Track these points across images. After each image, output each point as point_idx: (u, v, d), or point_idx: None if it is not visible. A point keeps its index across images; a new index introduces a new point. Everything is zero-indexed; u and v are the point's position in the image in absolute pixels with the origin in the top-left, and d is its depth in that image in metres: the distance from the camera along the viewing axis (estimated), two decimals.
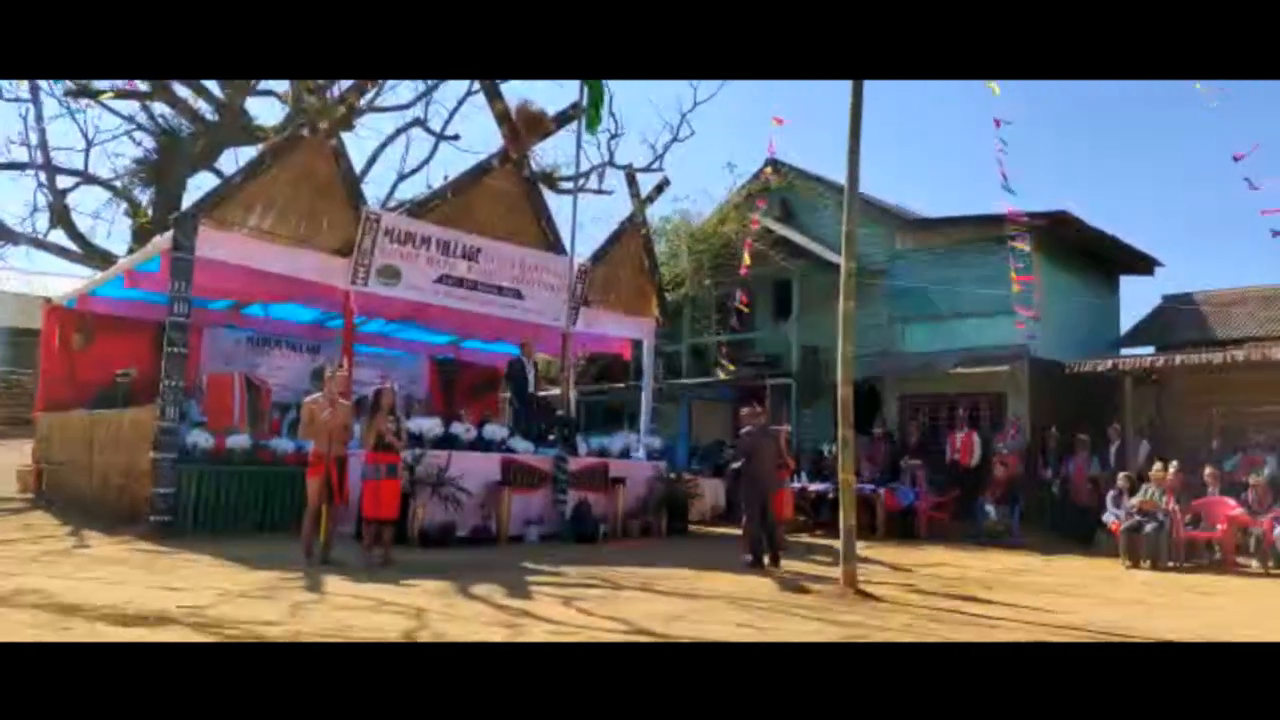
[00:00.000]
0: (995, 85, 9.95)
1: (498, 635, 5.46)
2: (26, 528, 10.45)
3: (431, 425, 11.17)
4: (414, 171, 22.80)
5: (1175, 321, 16.18)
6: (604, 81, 12.61)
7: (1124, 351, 15.84)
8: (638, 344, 15.81)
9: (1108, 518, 11.90)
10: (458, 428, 11.46)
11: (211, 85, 18.36)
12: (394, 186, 21.58)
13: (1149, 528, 10.93)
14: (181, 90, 18.09)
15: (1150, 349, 15.52)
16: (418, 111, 21.02)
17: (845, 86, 8.44)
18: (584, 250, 14.41)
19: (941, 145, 61.41)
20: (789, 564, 9.52)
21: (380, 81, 18.44)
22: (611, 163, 21.81)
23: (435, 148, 21.71)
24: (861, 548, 9.02)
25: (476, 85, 14.43)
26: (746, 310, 17.00)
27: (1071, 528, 13.16)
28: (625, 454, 13.44)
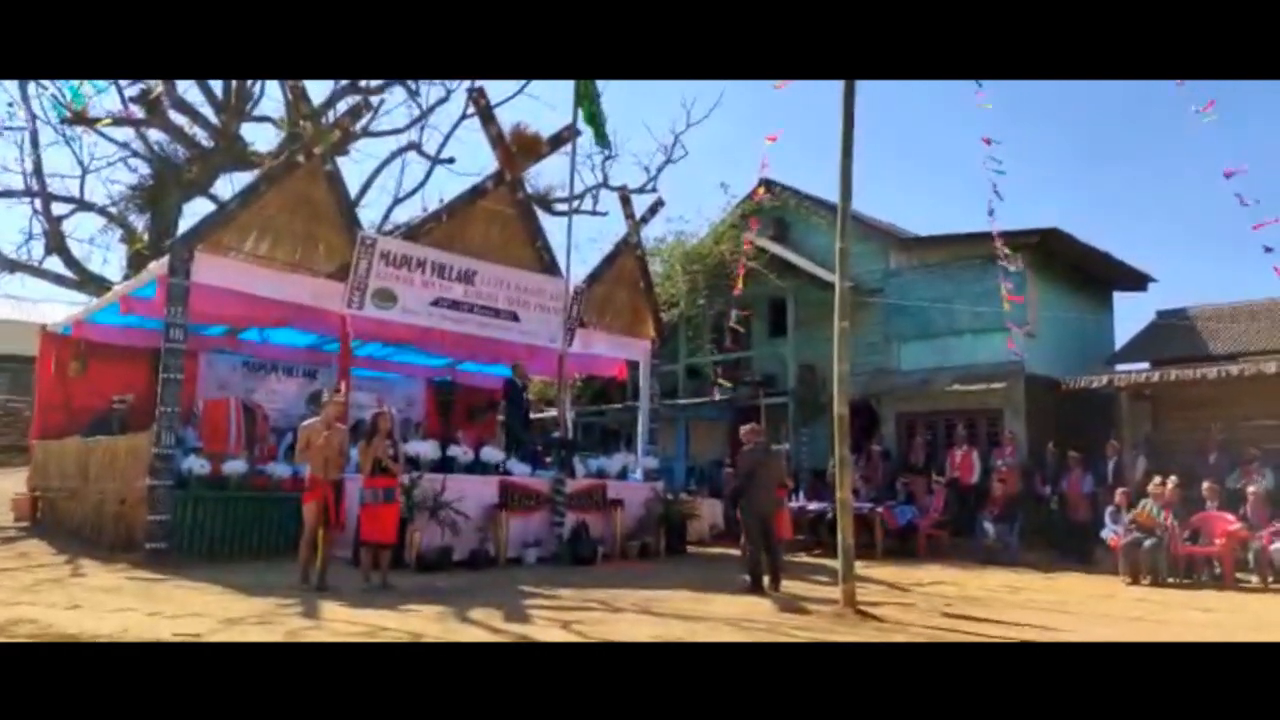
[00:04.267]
0: (987, 103, 10.02)
1: None
2: (22, 556, 10.38)
3: (429, 449, 11.15)
4: (409, 195, 22.89)
5: (1170, 337, 16.20)
6: (596, 87, 12.65)
7: (1119, 367, 15.85)
8: (634, 365, 15.81)
9: (1106, 534, 11.89)
10: (455, 451, 11.44)
11: (206, 111, 18.45)
12: (389, 210, 21.64)
13: (1148, 544, 10.91)
14: (177, 117, 18.16)
15: (1145, 364, 15.53)
16: (412, 135, 21.12)
17: (838, 107, 8.50)
18: (579, 271, 14.47)
19: (935, 162, 61.79)
20: (788, 584, 9.48)
21: (375, 106, 18.55)
22: (606, 184, 21.91)
23: (430, 171, 21.78)
24: (860, 567, 8.99)
25: (471, 109, 14.49)
26: (742, 330, 16.99)
27: (1070, 544, 13.15)
28: (623, 475, 13.42)
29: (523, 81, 21.04)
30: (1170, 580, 10.78)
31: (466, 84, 18.29)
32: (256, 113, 19.65)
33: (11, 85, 17.94)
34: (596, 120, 12.73)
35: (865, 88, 8.62)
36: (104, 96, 18.13)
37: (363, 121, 17.30)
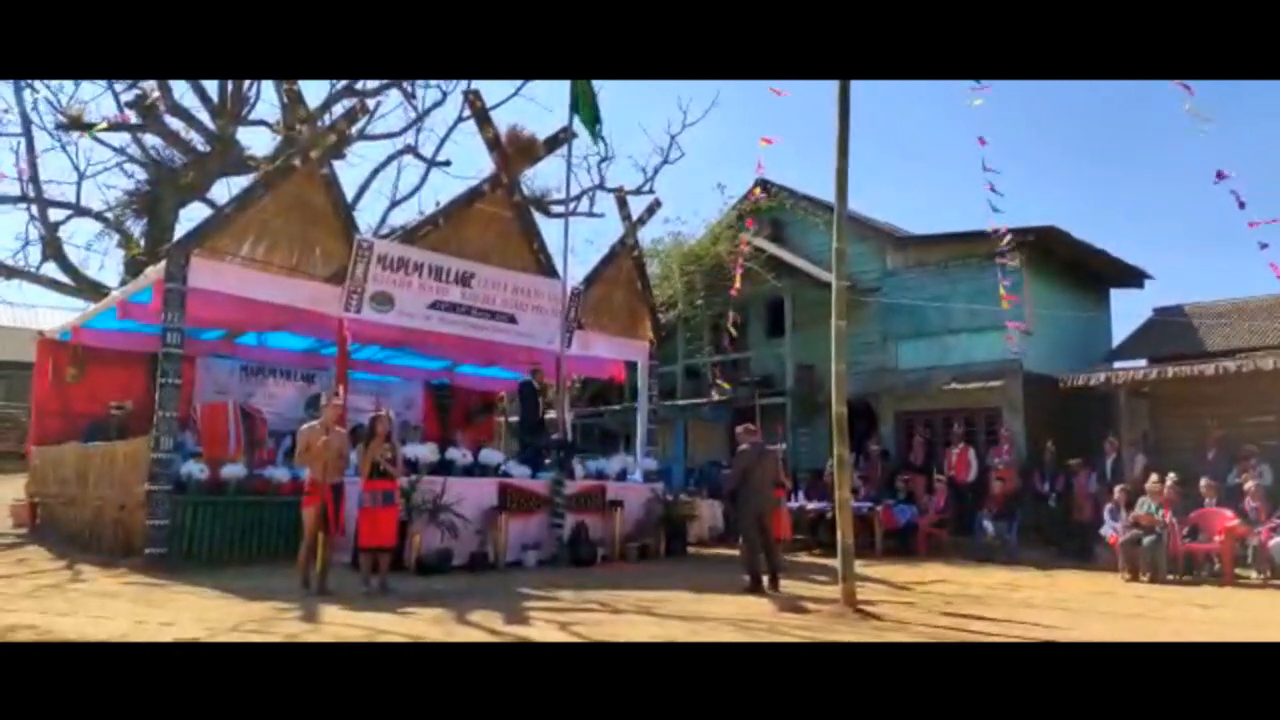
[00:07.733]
0: (977, 99, 10.00)
1: None
2: (21, 562, 10.36)
3: (427, 451, 11.15)
4: (406, 198, 22.89)
5: (1167, 334, 16.23)
6: (592, 87, 12.67)
7: (1117, 365, 15.87)
8: (632, 366, 15.81)
9: (1105, 531, 11.91)
10: (454, 453, 11.44)
11: (202, 116, 18.43)
12: (386, 213, 21.63)
13: (1147, 541, 10.93)
14: (173, 121, 18.14)
15: (1143, 362, 15.55)
16: (409, 138, 21.12)
17: (834, 107, 8.50)
18: (577, 273, 14.47)
19: (931, 162, 61.85)
20: (788, 584, 9.49)
21: (371, 109, 18.53)
22: (602, 186, 21.90)
23: (426, 174, 21.79)
24: (860, 566, 9.00)
25: (467, 112, 14.49)
26: (735, 334, 16.97)
27: (1070, 542, 13.16)
28: (622, 476, 13.42)
29: (519, 83, 21.08)
30: (1170, 577, 10.80)
31: (462, 86, 18.35)
32: (252, 117, 19.63)
33: (6, 89, 17.96)
34: (593, 117, 12.71)
35: (860, 86, 8.62)
36: (99, 101, 18.13)
37: (359, 125, 17.25)
